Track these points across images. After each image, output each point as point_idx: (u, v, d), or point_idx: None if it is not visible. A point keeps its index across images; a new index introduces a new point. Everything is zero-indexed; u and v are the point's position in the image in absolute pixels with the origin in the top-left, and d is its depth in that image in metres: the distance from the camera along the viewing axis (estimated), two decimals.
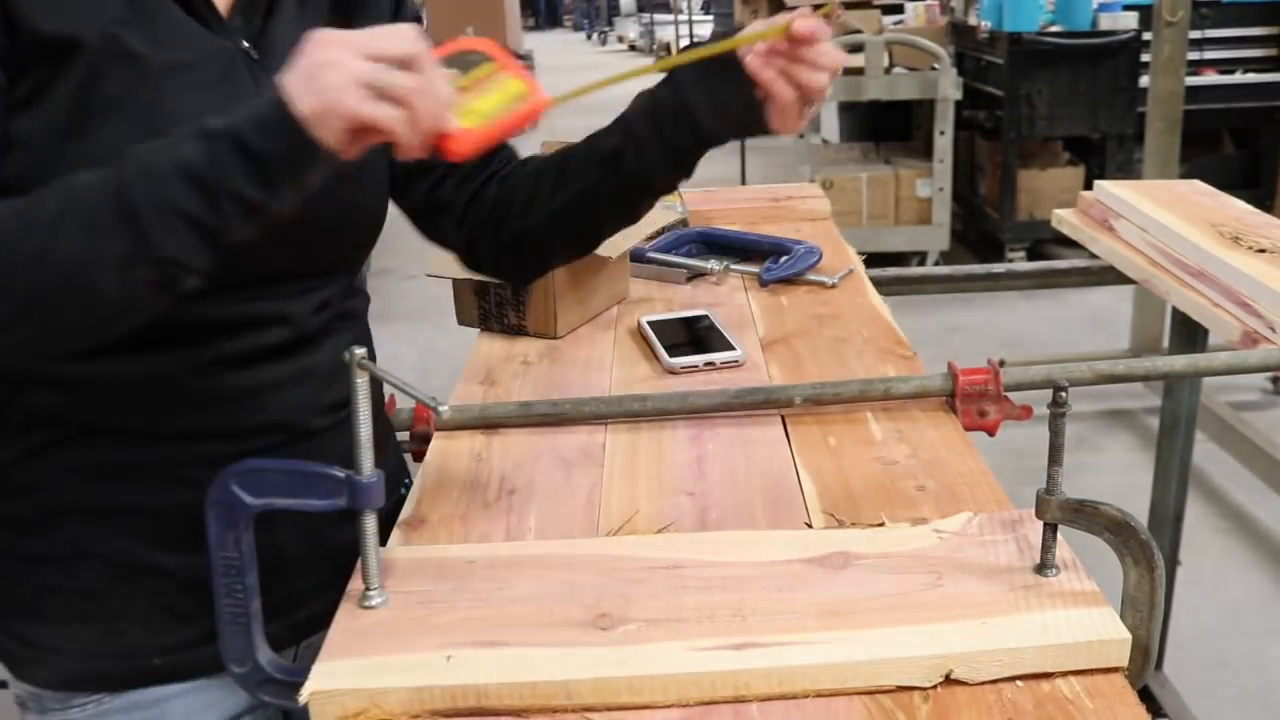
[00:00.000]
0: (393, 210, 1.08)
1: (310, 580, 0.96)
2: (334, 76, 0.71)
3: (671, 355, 1.32)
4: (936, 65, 4.68)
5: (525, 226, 1.06)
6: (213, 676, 0.93)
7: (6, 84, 0.78)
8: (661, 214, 1.72)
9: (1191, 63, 4.24)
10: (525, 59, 10.21)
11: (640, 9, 16.69)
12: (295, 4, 0.92)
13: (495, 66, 0.75)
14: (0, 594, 0.93)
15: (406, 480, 1.08)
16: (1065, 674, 0.75)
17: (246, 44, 0.88)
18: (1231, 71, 5.11)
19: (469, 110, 0.75)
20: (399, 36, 0.73)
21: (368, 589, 0.81)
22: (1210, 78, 5.02)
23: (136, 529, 0.90)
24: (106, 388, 0.87)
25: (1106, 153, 4.88)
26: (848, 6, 5.50)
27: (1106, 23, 4.83)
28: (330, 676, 0.74)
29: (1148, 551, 0.79)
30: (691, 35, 11.07)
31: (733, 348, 1.33)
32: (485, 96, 0.74)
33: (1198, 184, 2.02)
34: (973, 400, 1.17)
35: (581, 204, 1.04)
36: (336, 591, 0.83)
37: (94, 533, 0.90)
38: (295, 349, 0.94)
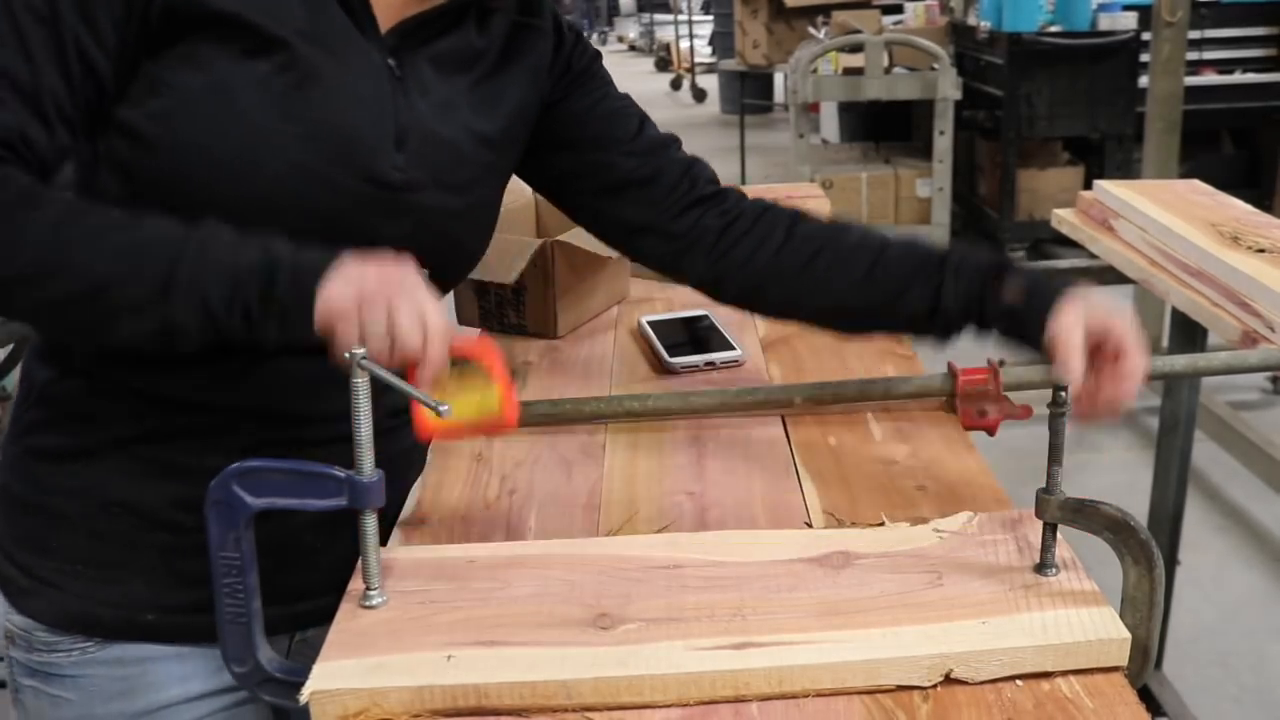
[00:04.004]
0: None
1: (319, 575, 0.96)
2: (372, 312, 0.78)
3: (671, 355, 1.32)
4: (936, 65, 4.68)
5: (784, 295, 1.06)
6: (202, 646, 0.94)
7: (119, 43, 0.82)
8: None
9: (1191, 63, 4.24)
10: None
11: (640, 9, 16.67)
12: (450, 49, 0.95)
13: (486, 379, 0.82)
14: (14, 521, 0.96)
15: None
16: (1065, 673, 0.75)
17: (392, 61, 0.91)
18: (1231, 71, 5.11)
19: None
20: (435, 322, 0.79)
21: (368, 589, 0.82)
22: (1210, 78, 5.02)
23: (167, 483, 0.92)
24: (173, 361, 0.89)
25: (1106, 153, 4.87)
26: (848, 7, 5.51)
27: (1106, 23, 4.83)
28: (331, 676, 0.74)
29: (1147, 551, 0.79)
30: (691, 35, 11.06)
31: (733, 347, 1.33)
32: (465, 399, 0.82)
33: (1197, 184, 2.02)
34: (972, 400, 1.17)
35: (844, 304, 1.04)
36: (339, 591, 0.83)
37: (124, 478, 0.92)
38: None
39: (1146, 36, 4.18)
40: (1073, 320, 0.89)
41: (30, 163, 0.81)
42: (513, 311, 1.44)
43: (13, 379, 2.48)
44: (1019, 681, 0.75)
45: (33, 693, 0.96)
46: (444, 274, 1.00)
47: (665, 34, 13.29)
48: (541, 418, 1.17)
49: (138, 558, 0.93)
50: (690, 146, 1.11)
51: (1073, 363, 0.87)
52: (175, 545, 0.93)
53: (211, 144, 0.83)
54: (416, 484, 1.05)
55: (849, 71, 4.82)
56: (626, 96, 1.10)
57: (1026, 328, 0.93)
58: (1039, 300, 0.93)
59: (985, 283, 0.97)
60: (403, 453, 1.05)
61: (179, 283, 0.78)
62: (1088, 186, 2.21)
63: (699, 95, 10.33)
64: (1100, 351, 0.89)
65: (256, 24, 0.83)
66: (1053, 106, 4.81)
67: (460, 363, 0.82)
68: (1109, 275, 1.91)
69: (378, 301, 0.78)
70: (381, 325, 0.78)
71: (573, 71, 1.06)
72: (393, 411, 1.01)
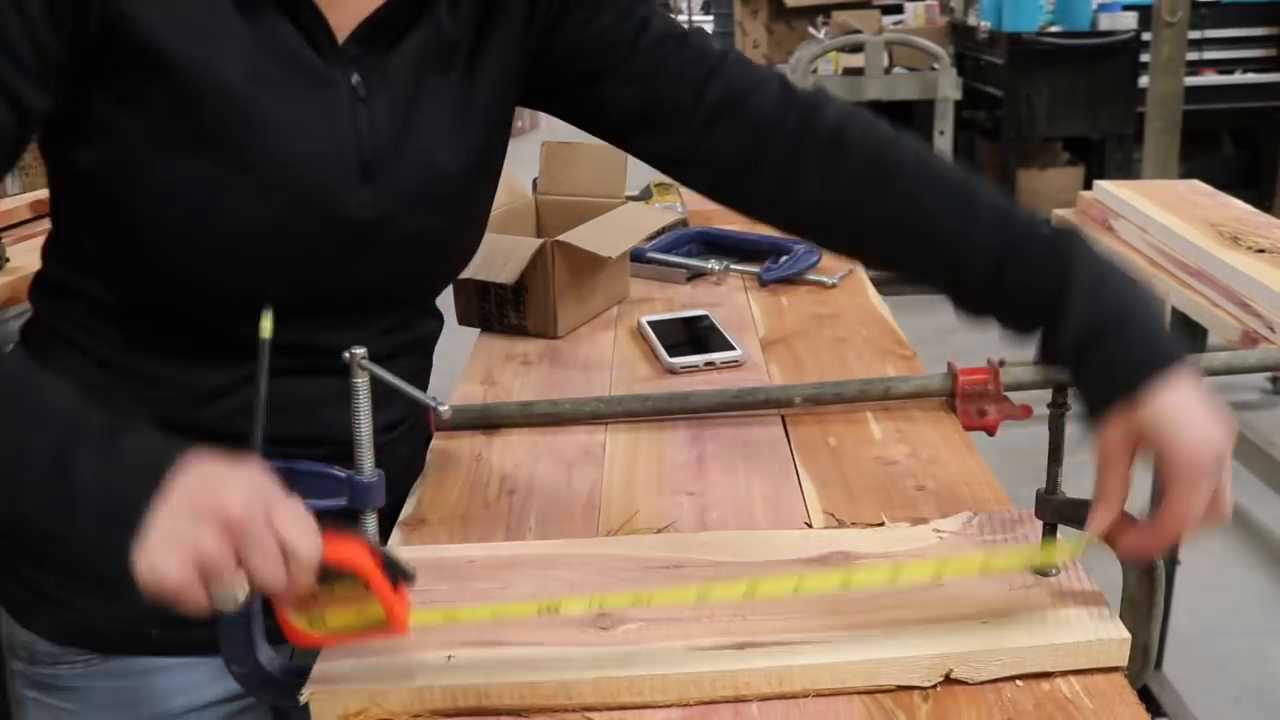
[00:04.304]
0: None
1: None
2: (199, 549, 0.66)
3: (671, 355, 1.32)
4: (936, 65, 4.68)
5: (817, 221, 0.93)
6: (206, 657, 0.93)
7: (61, 65, 0.76)
8: (662, 214, 1.72)
9: (1191, 63, 4.23)
10: None
11: None
12: (422, 43, 0.87)
13: (364, 589, 0.71)
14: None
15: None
16: (1065, 674, 0.75)
17: (357, 77, 0.84)
18: (1231, 72, 5.11)
19: (319, 619, 0.73)
20: (299, 538, 0.68)
21: None
22: (1210, 78, 5.02)
23: None
24: (166, 383, 0.89)
25: (1106, 153, 4.88)
26: (848, 7, 5.51)
27: (1106, 23, 4.83)
28: (330, 676, 0.74)
29: None
30: None
31: (733, 347, 1.33)
32: (342, 611, 0.72)
33: (1197, 184, 2.02)
34: (972, 400, 1.17)
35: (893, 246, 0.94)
36: None
37: None
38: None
39: (1146, 37, 4.17)
40: (1116, 443, 0.74)
41: None
42: (513, 311, 1.44)
43: None
44: (1019, 681, 0.75)
45: (36, 704, 0.96)
46: (431, 287, 0.99)
47: None
48: (541, 418, 1.17)
49: None
50: None
51: (1097, 514, 0.75)
52: None
53: (162, 199, 0.80)
54: (416, 484, 1.05)
55: (849, 72, 4.82)
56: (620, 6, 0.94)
57: (1087, 409, 0.77)
58: (1100, 388, 0.76)
59: (1044, 324, 0.80)
60: (402, 462, 1.04)
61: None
62: (1088, 187, 2.21)
63: None
64: (1159, 475, 0.73)
65: (198, 64, 0.77)
66: (1053, 107, 4.81)
67: (331, 576, 0.71)
68: None
69: (221, 563, 0.66)
70: (231, 588, 0.67)
71: (554, 9, 0.93)
72: (388, 426, 0.99)
